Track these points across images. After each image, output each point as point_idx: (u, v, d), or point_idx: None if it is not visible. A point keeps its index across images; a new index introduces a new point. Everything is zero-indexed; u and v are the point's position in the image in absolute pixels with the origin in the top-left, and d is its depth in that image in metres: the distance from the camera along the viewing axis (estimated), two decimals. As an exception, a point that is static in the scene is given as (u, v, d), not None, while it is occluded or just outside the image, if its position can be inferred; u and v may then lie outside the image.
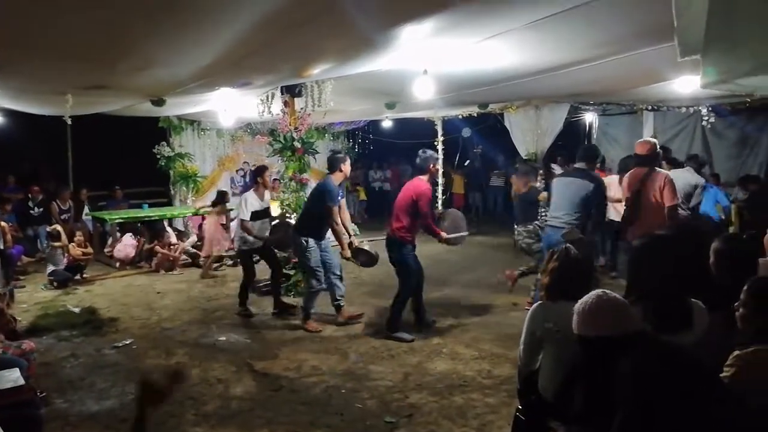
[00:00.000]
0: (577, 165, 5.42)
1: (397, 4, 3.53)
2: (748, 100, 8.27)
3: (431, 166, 5.41)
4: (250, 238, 6.11)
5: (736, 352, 2.10)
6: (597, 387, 2.16)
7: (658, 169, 5.10)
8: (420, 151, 5.50)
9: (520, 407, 2.81)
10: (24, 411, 3.35)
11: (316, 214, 5.49)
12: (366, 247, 5.82)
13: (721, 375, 2.13)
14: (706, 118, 8.74)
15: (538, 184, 7.01)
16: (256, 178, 6.31)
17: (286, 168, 7.16)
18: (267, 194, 6.40)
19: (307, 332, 5.48)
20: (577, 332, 2.17)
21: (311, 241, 5.50)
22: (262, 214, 6.14)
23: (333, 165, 5.60)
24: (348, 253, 5.67)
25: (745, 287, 2.15)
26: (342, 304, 5.74)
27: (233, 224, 10.15)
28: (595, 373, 2.12)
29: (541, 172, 9.29)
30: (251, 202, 6.07)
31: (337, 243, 5.69)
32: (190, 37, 4.15)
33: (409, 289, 5.34)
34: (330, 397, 4.05)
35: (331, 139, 13.27)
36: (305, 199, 6.53)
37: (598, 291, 2.21)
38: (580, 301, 2.20)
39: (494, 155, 13.20)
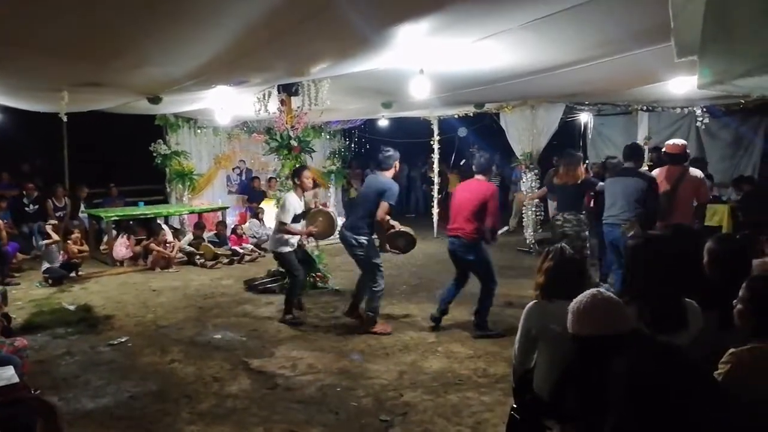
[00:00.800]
0: (626, 165, 5.81)
1: (393, 4, 3.53)
2: (742, 101, 8.32)
3: (395, 164, 5.46)
4: (293, 240, 5.79)
5: (732, 350, 2.12)
6: (591, 386, 2.17)
7: (691, 168, 5.63)
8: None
9: (515, 406, 2.82)
10: (18, 410, 3.35)
11: (372, 212, 5.32)
12: (403, 228, 5.58)
13: (715, 373, 2.15)
14: (701, 118, 8.79)
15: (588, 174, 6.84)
16: (294, 178, 5.92)
17: (283, 167, 7.17)
18: (304, 196, 5.98)
19: (376, 335, 5.29)
20: (572, 331, 2.19)
21: (370, 239, 5.42)
22: (301, 216, 5.79)
23: (386, 163, 5.50)
24: (387, 247, 5.56)
25: (744, 284, 2.15)
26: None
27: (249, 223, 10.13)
28: (589, 372, 2.14)
29: (536, 171, 9.38)
30: (293, 203, 5.68)
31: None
32: (185, 36, 4.16)
33: (494, 281, 5.34)
34: (325, 396, 4.06)
35: (328, 137, 13.28)
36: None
37: (592, 290, 2.23)
38: (574, 301, 2.21)
39: (490, 155, 13.23)
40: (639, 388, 1.87)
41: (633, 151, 5.93)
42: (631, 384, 1.89)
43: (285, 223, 5.60)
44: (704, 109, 8.75)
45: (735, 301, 2.16)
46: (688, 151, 5.82)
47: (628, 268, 2.94)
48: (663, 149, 6.04)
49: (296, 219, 5.71)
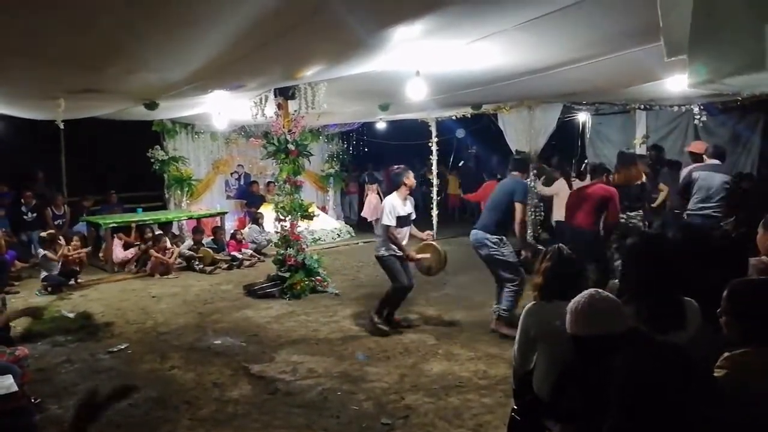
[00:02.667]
0: (711, 161, 6.34)
1: (388, 6, 3.54)
2: (739, 98, 8.32)
3: (405, 179, 5.51)
4: (393, 246, 5.44)
5: (726, 354, 2.11)
6: (590, 386, 2.17)
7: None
8: (517, 152, 5.60)
9: (515, 407, 2.82)
10: (18, 419, 3.34)
11: (505, 211, 5.37)
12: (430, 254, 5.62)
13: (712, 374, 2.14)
14: (698, 116, 8.78)
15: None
16: (398, 180, 5.61)
17: (281, 170, 7.17)
18: (409, 197, 5.74)
19: (503, 336, 5.16)
20: (570, 331, 2.19)
21: (504, 238, 5.40)
22: (405, 219, 5.54)
23: (522, 166, 5.68)
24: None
25: (724, 294, 2.12)
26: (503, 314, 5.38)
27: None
28: (589, 372, 2.13)
29: (535, 171, 9.38)
30: (394, 205, 5.42)
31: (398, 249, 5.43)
32: (181, 41, 4.16)
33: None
34: (326, 400, 4.05)
35: (325, 141, 13.28)
36: (298, 202, 6.52)
37: (591, 290, 2.22)
38: (573, 300, 2.21)
39: (488, 156, 13.24)
40: (636, 387, 1.86)
41: (717, 150, 6.47)
42: (628, 383, 1.89)
43: (389, 227, 5.34)
44: (701, 107, 8.74)
45: (718, 310, 2.14)
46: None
47: (626, 267, 2.93)
48: (687, 149, 6.51)
49: (400, 222, 5.44)
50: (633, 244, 2.96)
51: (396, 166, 5.89)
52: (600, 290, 2.22)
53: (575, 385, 2.34)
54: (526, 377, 2.70)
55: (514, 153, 6.61)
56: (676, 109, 9.17)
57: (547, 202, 8.91)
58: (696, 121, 8.97)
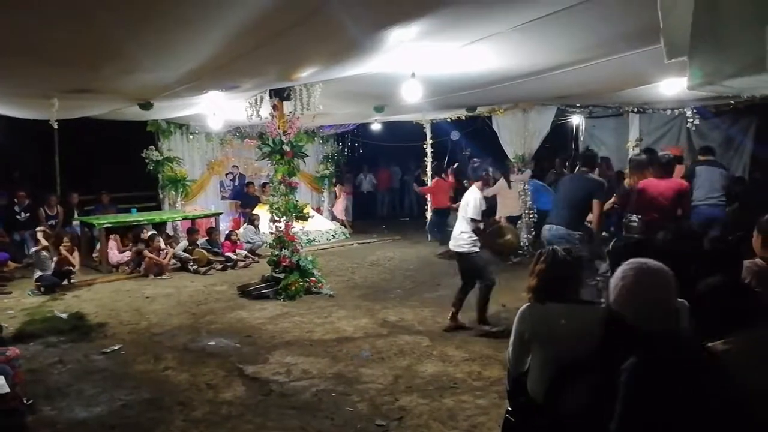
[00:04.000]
0: (707, 158, 7.23)
1: (384, 8, 3.54)
2: (732, 102, 8.38)
3: (483, 174, 5.59)
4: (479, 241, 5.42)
5: (708, 344, 2.13)
6: (595, 386, 2.13)
7: None
8: (588, 148, 5.80)
9: (509, 408, 2.82)
10: (9, 420, 3.32)
11: (584, 209, 5.47)
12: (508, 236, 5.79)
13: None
14: (691, 120, 8.84)
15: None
16: (479, 174, 5.58)
17: (276, 171, 7.16)
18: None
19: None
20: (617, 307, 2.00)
21: (582, 235, 5.45)
22: (484, 214, 5.59)
23: (591, 162, 5.75)
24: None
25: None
26: None
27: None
28: (609, 361, 1.95)
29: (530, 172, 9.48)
30: (480, 198, 5.40)
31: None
32: (176, 41, 4.15)
33: None
34: (320, 401, 4.04)
35: (321, 142, 13.27)
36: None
37: (640, 260, 2.03)
38: (619, 274, 2.02)
39: (483, 158, 13.25)
40: (649, 379, 1.77)
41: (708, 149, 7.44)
42: (647, 376, 1.78)
43: (479, 220, 5.33)
44: (695, 111, 8.80)
45: None
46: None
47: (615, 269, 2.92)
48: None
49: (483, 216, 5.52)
50: (624, 245, 2.96)
51: (474, 159, 5.98)
52: (648, 260, 2.06)
53: (579, 385, 2.32)
54: (520, 379, 2.70)
55: (585, 150, 6.80)
56: (669, 112, 9.22)
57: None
58: (689, 125, 9.02)
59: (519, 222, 9.65)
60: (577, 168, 5.92)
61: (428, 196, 10.97)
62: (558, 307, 2.55)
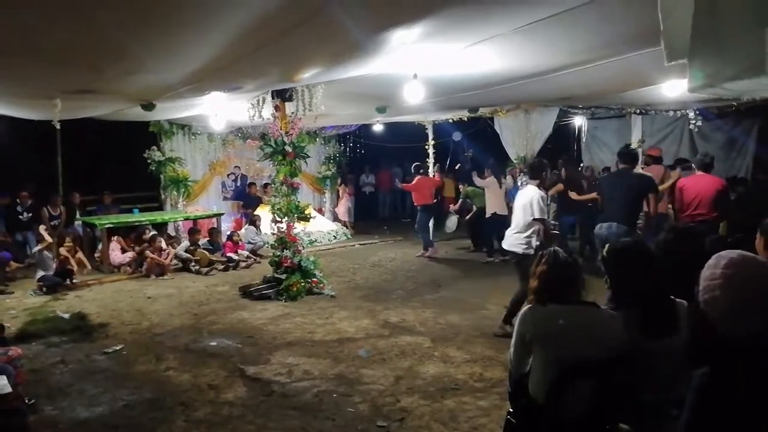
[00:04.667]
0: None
1: (386, 9, 3.55)
2: (734, 103, 8.37)
3: (543, 174, 5.63)
4: (536, 242, 5.24)
5: None
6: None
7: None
8: (535, 159, 6.14)
9: (511, 410, 2.81)
10: (11, 419, 3.33)
11: (637, 205, 5.70)
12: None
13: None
14: (694, 121, 8.84)
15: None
16: (537, 173, 5.50)
17: (278, 172, 7.16)
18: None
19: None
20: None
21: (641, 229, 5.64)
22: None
23: (631, 159, 5.90)
24: None
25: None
26: None
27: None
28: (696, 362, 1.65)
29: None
30: (544, 198, 5.30)
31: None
32: (179, 42, 4.16)
33: None
34: (321, 402, 4.04)
35: (323, 143, 13.28)
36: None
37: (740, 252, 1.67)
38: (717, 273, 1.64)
39: (485, 159, 13.24)
40: (727, 388, 1.53)
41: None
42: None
43: (543, 219, 5.26)
44: (697, 112, 8.80)
45: None
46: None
47: (613, 272, 2.88)
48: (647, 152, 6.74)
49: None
50: (624, 248, 2.92)
51: (535, 158, 6.06)
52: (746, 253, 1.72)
53: (581, 387, 2.29)
54: (521, 380, 2.70)
55: (624, 147, 6.80)
56: (672, 113, 9.23)
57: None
58: (691, 126, 9.02)
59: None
60: (618, 165, 6.04)
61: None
62: (559, 309, 2.55)
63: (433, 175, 10.81)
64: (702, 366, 1.52)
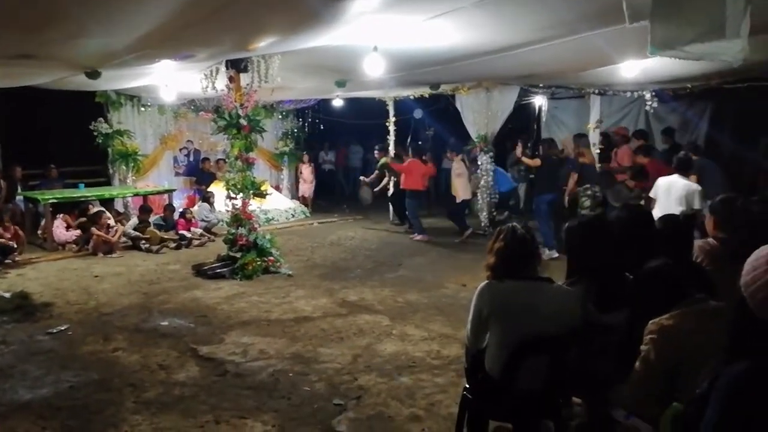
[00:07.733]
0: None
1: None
2: (689, 86, 8.58)
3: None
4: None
5: (653, 320, 2.16)
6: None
7: None
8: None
9: (467, 386, 2.81)
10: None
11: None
12: None
13: (642, 346, 2.18)
14: (650, 102, 9.02)
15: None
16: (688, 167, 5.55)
17: (232, 146, 6.94)
18: None
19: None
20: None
21: None
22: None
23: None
24: None
25: None
26: None
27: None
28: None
29: (491, 153, 9.53)
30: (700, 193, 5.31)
31: None
32: (124, 4, 3.90)
33: None
34: (277, 381, 3.96)
35: (280, 117, 12.98)
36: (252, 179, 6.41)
37: None
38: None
39: (446, 137, 13.21)
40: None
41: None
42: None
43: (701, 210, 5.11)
44: (653, 94, 8.98)
45: None
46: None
47: (573, 248, 2.93)
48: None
49: None
50: (581, 225, 2.97)
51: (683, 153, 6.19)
52: None
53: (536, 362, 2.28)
54: (478, 356, 2.69)
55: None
56: (629, 94, 9.38)
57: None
58: (647, 107, 9.20)
59: (479, 203, 9.72)
60: (577, 147, 6.14)
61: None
62: (516, 284, 2.54)
63: (427, 162, 10.13)
64: (740, 359, 1.40)
